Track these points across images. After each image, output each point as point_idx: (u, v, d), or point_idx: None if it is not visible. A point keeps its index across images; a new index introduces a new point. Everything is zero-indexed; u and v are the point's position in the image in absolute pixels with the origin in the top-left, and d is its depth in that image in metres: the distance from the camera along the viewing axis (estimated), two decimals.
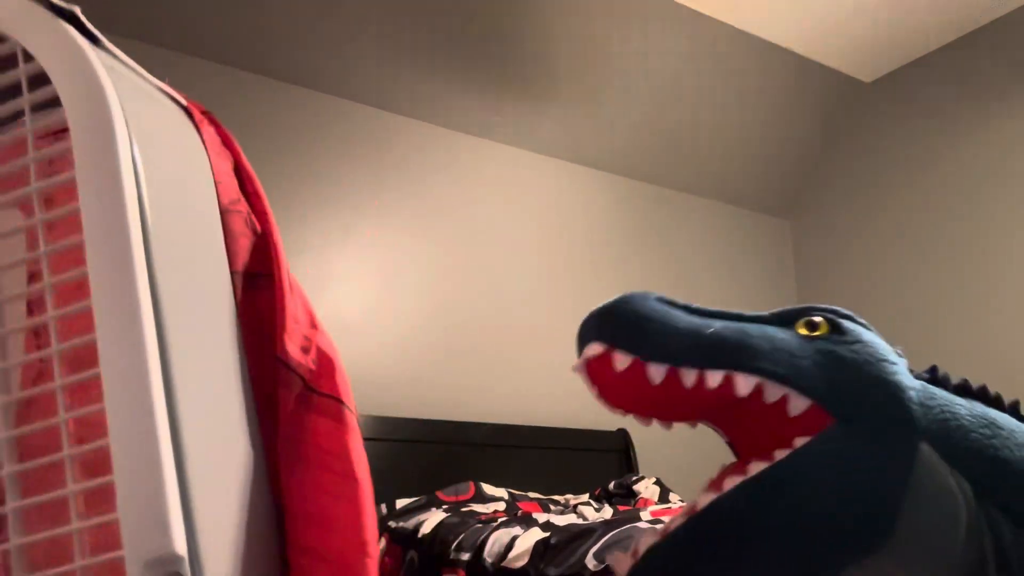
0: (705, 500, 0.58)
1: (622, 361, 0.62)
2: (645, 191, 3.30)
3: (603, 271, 3.07)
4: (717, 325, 0.63)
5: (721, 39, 2.89)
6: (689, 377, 0.60)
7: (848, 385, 0.60)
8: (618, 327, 0.63)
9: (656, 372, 0.61)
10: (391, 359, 2.50)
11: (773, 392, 0.60)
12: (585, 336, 0.67)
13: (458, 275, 2.72)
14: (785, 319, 0.68)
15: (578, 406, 2.85)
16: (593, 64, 2.84)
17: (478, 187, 2.85)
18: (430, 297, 2.64)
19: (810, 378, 0.60)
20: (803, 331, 0.65)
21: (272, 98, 2.49)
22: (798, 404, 0.59)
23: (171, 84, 2.44)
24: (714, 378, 0.60)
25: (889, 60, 3.11)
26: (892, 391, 0.63)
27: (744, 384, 0.60)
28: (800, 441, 0.58)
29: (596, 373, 0.66)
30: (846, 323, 0.68)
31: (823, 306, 0.68)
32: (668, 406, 0.67)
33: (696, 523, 0.57)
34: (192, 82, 2.36)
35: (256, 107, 2.46)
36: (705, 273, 3.36)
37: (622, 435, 2.81)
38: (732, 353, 0.61)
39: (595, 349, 0.64)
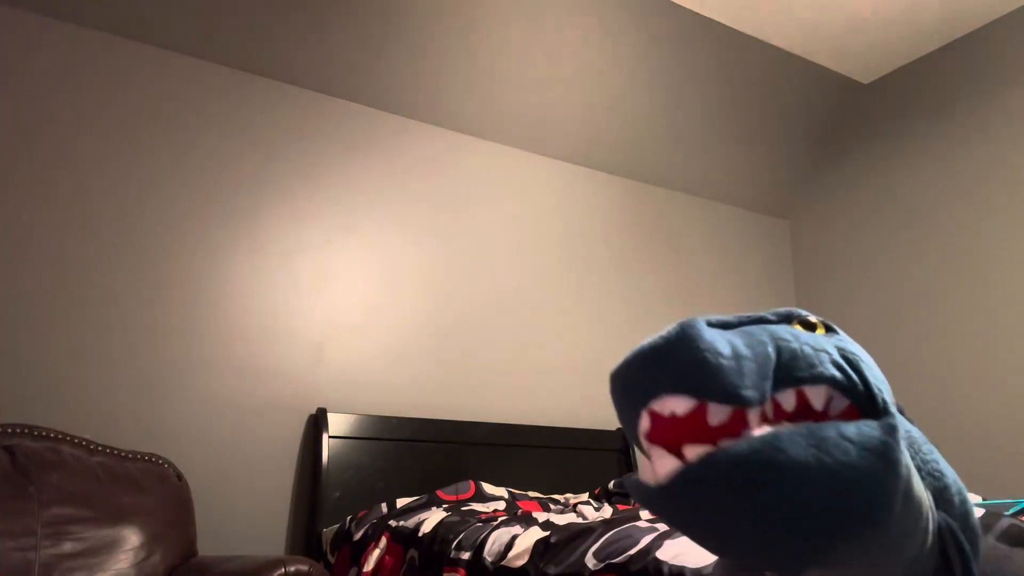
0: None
1: (719, 414, 0.51)
2: (645, 192, 3.31)
3: (603, 271, 3.08)
4: (760, 335, 0.57)
5: (721, 41, 2.89)
6: (769, 408, 0.53)
7: (870, 385, 0.58)
8: (706, 374, 0.52)
9: (753, 418, 0.52)
10: (392, 359, 2.51)
11: (834, 398, 0.56)
12: (648, 387, 0.54)
13: (458, 275, 2.73)
14: (783, 317, 0.64)
15: (578, 406, 2.86)
16: (593, 66, 2.85)
17: (478, 188, 2.86)
18: (431, 297, 2.64)
19: (850, 377, 0.57)
20: (798, 328, 0.62)
21: (272, 99, 2.50)
22: (840, 404, 0.56)
23: (170, 85, 2.45)
24: (788, 399, 0.54)
25: (887, 62, 3.11)
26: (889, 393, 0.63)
27: (816, 396, 0.55)
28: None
29: (667, 429, 0.54)
30: (831, 324, 0.66)
31: (800, 311, 0.65)
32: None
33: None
34: (192, 83, 2.37)
35: (256, 109, 2.46)
36: (705, 273, 3.37)
37: (621, 434, 2.82)
38: (792, 366, 0.55)
39: (678, 405, 0.52)
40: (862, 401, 0.56)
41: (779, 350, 0.55)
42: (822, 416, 0.55)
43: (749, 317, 0.61)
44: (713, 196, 3.49)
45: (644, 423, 0.54)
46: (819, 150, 3.49)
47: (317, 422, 2.26)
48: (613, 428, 2.88)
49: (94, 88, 2.22)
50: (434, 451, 2.42)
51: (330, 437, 2.25)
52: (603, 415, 2.89)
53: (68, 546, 1.60)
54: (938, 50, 3.04)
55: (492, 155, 2.93)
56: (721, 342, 0.53)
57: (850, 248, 3.34)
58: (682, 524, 0.54)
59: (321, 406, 2.34)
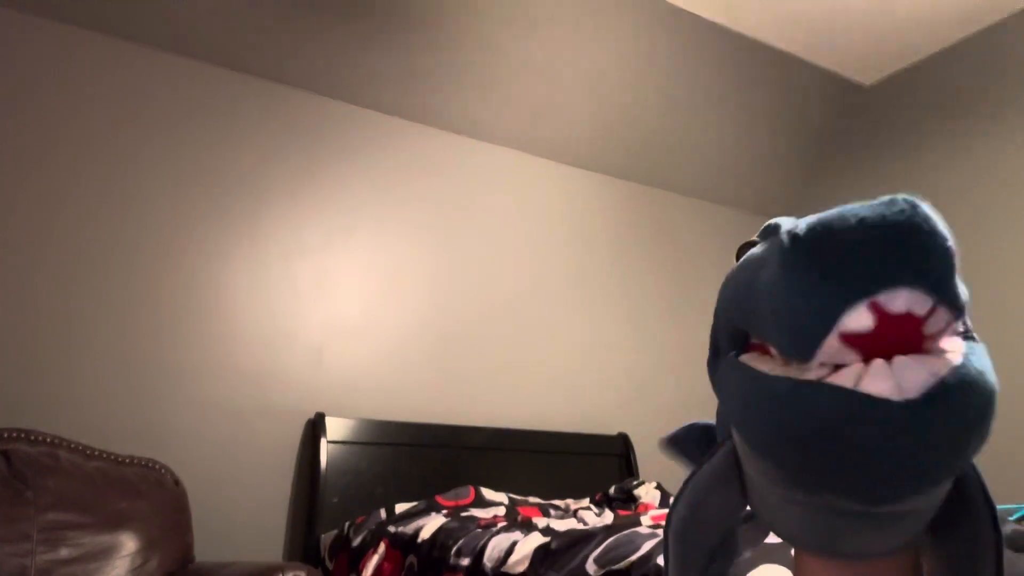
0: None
1: (941, 321, 0.43)
2: (645, 194, 3.30)
3: (603, 274, 3.07)
4: None
5: (722, 44, 2.89)
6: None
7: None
8: (948, 271, 0.43)
9: (953, 331, 0.44)
10: (391, 363, 2.50)
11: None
12: (881, 272, 0.43)
13: (458, 279, 2.72)
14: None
15: (578, 410, 2.85)
16: (594, 69, 2.85)
17: (478, 191, 2.86)
18: (430, 301, 2.63)
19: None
20: None
21: (272, 102, 2.49)
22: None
23: (170, 88, 2.45)
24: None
25: (888, 64, 3.11)
26: None
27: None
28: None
29: (891, 330, 0.43)
30: None
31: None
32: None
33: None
34: (191, 86, 2.37)
35: (255, 111, 2.46)
36: (706, 276, 3.36)
37: (623, 439, 2.81)
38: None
39: (917, 302, 0.42)
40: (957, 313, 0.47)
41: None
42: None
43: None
44: (714, 199, 3.49)
45: (859, 318, 0.43)
46: (820, 152, 3.49)
47: (315, 427, 2.25)
48: (614, 433, 2.86)
49: (91, 91, 2.21)
50: (433, 456, 2.41)
51: (328, 442, 2.24)
52: (604, 420, 2.87)
53: (64, 551, 1.59)
54: (939, 52, 3.03)
55: (492, 158, 2.92)
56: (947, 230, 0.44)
57: None
58: (919, 447, 0.44)
59: (320, 411, 2.33)
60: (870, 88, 3.28)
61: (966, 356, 0.43)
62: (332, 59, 2.52)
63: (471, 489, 2.19)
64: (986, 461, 2.20)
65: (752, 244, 0.55)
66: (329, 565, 2.02)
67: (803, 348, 0.44)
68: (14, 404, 1.92)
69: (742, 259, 0.53)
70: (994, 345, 2.72)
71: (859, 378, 0.43)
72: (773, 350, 0.48)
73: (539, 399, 2.76)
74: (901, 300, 0.42)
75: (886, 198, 0.43)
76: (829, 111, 3.33)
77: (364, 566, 1.81)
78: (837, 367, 0.44)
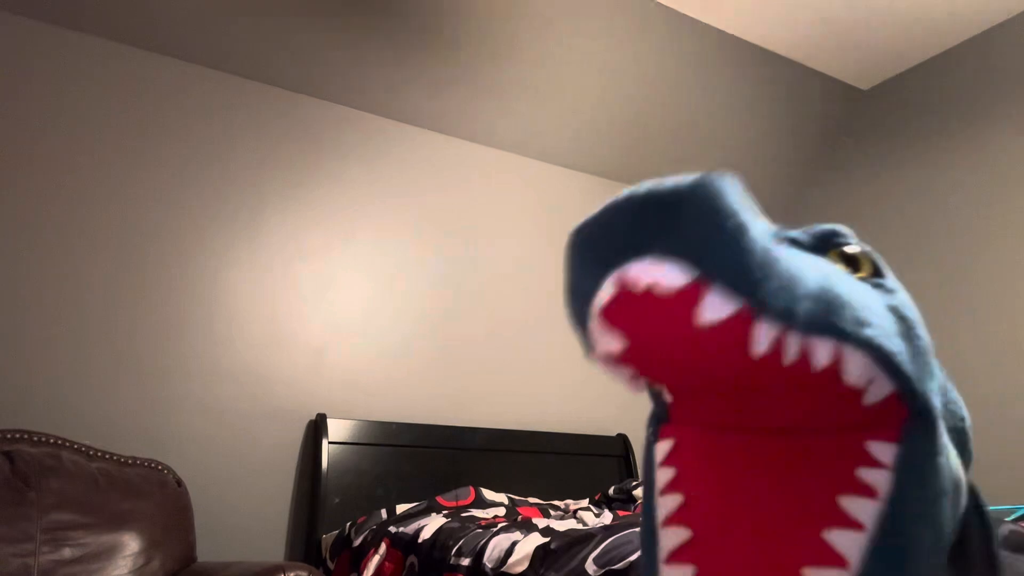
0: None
1: (719, 309, 0.34)
2: None
3: None
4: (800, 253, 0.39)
5: (721, 48, 2.90)
6: (792, 348, 0.35)
7: (926, 367, 0.41)
8: (724, 241, 0.34)
9: (766, 335, 0.35)
10: (392, 364, 2.50)
11: (877, 378, 0.39)
12: (629, 240, 0.36)
13: (458, 280, 2.73)
14: (817, 244, 0.43)
15: (578, 411, 2.85)
16: (594, 73, 2.86)
17: (478, 193, 2.86)
18: (431, 302, 2.64)
19: (903, 354, 0.39)
20: (839, 267, 0.42)
21: (272, 106, 2.50)
22: (882, 390, 0.39)
23: (171, 92, 2.46)
24: (823, 352, 0.36)
25: (886, 68, 3.12)
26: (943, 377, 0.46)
27: (856, 365, 0.38)
28: (886, 453, 0.39)
29: (636, 314, 0.36)
30: (880, 263, 0.46)
31: (844, 230, 0.44)
32: (710, 376, 0.40)
33: None
34: (193, 90, 2.38)
35: (258, 115, 2.47)
36: None
37: (622, 440, 2.82)
38: (839, 312, 0.37)
39: (668, 275, 0.35)
40: (908, 393, 0.40)
41: (827, 279, 0.37)
42: (852, 397, 0.39)
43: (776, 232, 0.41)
44: None
45: (603, 292, 0.37)
46: (818, 156, 3.50)
47: (317, 428, 2.26)
48: (614, 434, 2.87)
49: (92, 95, 2.22)
50: (434, 457, 2.41)
51: (330, 443, 2.25)
52: (604, 421, 2.88)
53: (67, 552, 1.60)
54: (938, 56, 3.05)
55: (493, 161, 2.93)
56: (752, 213, 0.36)
57: None
58: None
59: (321, 411, 2.34)
60: (868, 92, 3.29)
61: (871, 557, 0.37)
62: (334, 64, 2.53)
63: (471, 489, 2.20)
64: (986, 461, 2.21)
65: None
66: (330, 565, 2.03)
67: (580, 337, 0.41)
68: (17, 405, 1.93)
69: None
70: (993, 345, 2.74)
71: None
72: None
73: (539, 400, 2.77)
74: (649, 271, 0.35)
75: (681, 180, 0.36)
76: (827, 114, 3.34)
77: (365, 566, 1.82)
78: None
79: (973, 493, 0.46)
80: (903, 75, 3.16)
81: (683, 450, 0.46)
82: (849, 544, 0.38)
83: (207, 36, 2.35)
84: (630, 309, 0.36)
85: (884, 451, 0.40)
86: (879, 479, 0.39)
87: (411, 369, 2.54)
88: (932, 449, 0.40)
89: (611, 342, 0.38)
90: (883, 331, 0.39)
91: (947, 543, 0.40)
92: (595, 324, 0.38)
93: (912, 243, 3.10)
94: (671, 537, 0.43)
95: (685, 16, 2.75)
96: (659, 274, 0.35)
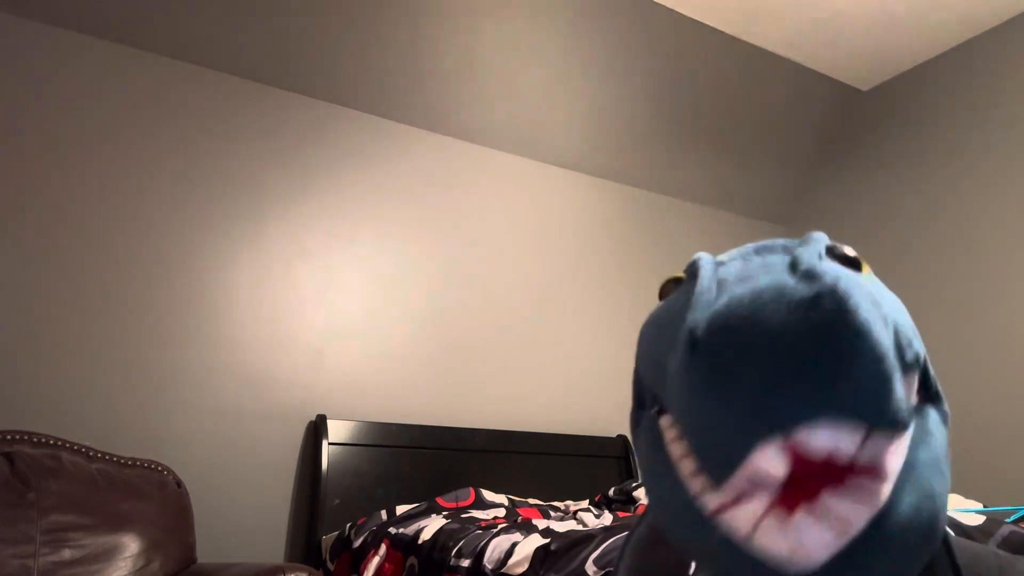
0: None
1: (875, 450, 0.34)
2: (643, 198, 3.31)
3: (601, 278, 3.08)
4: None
5: (720, 48, 2.90)
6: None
7: (930, 370, 0.44)
8: (886, 390, 0.33)
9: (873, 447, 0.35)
10: (392, 365, 2.51)
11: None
12: (796, 406, 0.33)
13: (458, 282, 2.73)
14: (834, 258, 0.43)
15: (578, 412, 2.85)
16: (593, 73, 2.86)
17: (479, 195, 2.87)
18: (431, 304, 2.64)
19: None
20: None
21: (273, 107, 2.50)
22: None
23: (171, 92, 2.46)
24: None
25: (885, 69, 3.12)
26: None
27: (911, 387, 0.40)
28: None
29: (810, 474, 0.34)
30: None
31: (823, 237, 0.43)
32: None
33: None
34: (193, 90, 2.38)
35: (257, 116, 2.47)
36: None
37: (622, 441, 2.82)
38: (901, 349, 0.39)
39: (844, 438, 0.33)
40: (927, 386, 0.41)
41: (895, 326, 0.36)
42: None
43: (762, 246, 0.40)
44: (712, 203, 3.50)
45: (770, 460, 0.33)
46: (817, 156, 3.50)
47: (317, 429, 2.26)
48: (613, 435, 2.87)
49: (93, 96, 2.22)
50: (434, 458, 2.41)
51: (330, 444, 2.25)
52: (603, 422, 2.88)
53: (67, 553, 1.60)
54: (937, 57, 3.05)
55: (493, 162, 2.93)
56: (882, 329, 0.33)
57: None
58: None
59: (321, 413, 2.34)
60: (868, 92, 3.29)
61: (897, 494, 0.35)
62: (334, 64, 2.53)
63: (471, 491, 2.20)
64: (986, 461, 2.21)
65: (678, 281, 0.47)
66: (330, 566, 2.03)
67: (712, 474, 0.37)
68: (16, 406, 1.93)
69: (659, 308, 0.45)
70: (996, 350, 2.74)
71: (756, 524, 0.36)
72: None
73: (539, 401, 2.77)
74: (823, 439, 0.33)
75: (807, 290, 0.33)
76: (826, 115, 3.34)
77: (365, 567, 1.82)
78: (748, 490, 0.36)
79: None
80: (902, 76, 3.16)
81: None
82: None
83: (207, 37, 2.35)
84: (808, 471, 0.34)
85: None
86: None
87: (411, 370, 2.54)
88: (939, 418, 0.41)
89: (759, 491, 0.35)
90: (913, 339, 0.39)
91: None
92: (742, 480, 0.35)
93: (911, 243, 3.10)
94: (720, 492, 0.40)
95: (684, 16, 2.75)
96: (837, 440, 0.33)
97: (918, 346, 0.38)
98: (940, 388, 0.44)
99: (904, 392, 0.35)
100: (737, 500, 0.36)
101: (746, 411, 0.33)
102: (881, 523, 0.34)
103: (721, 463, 0.36)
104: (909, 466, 0.36)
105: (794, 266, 0.35)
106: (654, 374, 0.43)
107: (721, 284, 0.38)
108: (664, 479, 0.41)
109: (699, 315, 0.36)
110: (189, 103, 2.36)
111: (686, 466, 0.40)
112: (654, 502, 0.44)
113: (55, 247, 2.08)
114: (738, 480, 0.35)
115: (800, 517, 0.34)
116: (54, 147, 2.13)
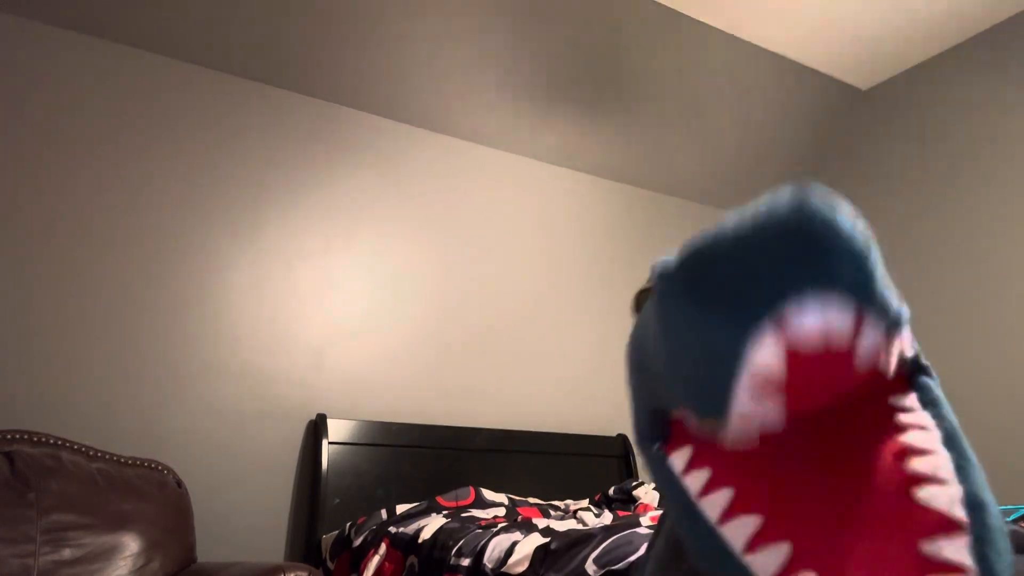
0: None
1: (873, 338, 0.31)
2: (643, 197, 3.31)
3: (601, 277, 3.08)
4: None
5: (718, 47, 2.90)
6: (895, 349, 0.35)
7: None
8: (870, 273, 0.31)
9: (875, 344, 0.33)
10: (392, 364, 2.51)
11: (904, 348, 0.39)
12: (784, 277, 0.30)
13: (458, 281, 2.73)
14: None
15: (578, 412, 2.86)
16: (590, 73, 2.86)
17: (478, 195, 2.87)
18: (431, 303, 2.64)
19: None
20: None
21: (273, 106, 2.50)
22: (897, 356, 0.39)
23: (170, 92, 2.46)
24: (905, 344, 0.37)
25: (884, 68, 3.12)
26: None
27: (908, 342, 0.39)
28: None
29: (810, 366, 0.32)
30: None
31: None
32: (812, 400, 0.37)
33: None
34: (191, 90, 2.38)
35: (257, 115, 2.47)
36: None
37: (622, 440, 2.82)
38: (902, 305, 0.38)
39: (837, 315, 0.30)
40: (916, 354, 0.40)
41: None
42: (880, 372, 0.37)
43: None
44: (712, 202, 3.50)
45: (766, 355, 0.31)
46: (816, 155, 3.50)
47: (317, 428, 2.26)
48: (613, 434, 2.87)
49: (92, 96, 2.22)
50: (434, 457, 2.41)
51: (330, 443, 2.25)
52: (603, 421, 2.88)
53: (67, 553, 1.60)
54: (936, 56, 3.05)
55: (494, 161, 2.93)
56: (870, 246, 0.32)
57: None
58: None
59: (321, 412, 2.34)
60: (868, 92, 3.29)
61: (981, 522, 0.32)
62: (335, 63, 2.53)
63: (471, 490, 2.20)
64: (987, 461, 2.21)
65: (648, 291, 0.43)
66: (330, 565, 2.03)
67: (713, 407, 0.34)
68: (16, 405, 1.93)
69: (638, 319, 0.42)
70: (996, 350, 2.74)
71: (787, 568, 0.33)
72: (693, 424, 0.39)
73: (539, 401, 2.77)
74: (813, 317, 0.30)
75: (769, 195, 0.31)
76: (825, 114, 3.34)
77: (365, 566, 1.82)
78: (761, 536, 0.34)
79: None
80: (903, 75, 3.16)
81: (709, 452, 0.42)
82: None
83: (207, 37, 2.35)
84: (794, 364, 0.31)
85: (908, 399, 0.38)
86: (913, 419, 0.37)
87: (411, 369, 2.54)
88: (936, 384, 0.40)
89: (767, 409, 0.32)
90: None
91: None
92: (744, 394, 0.32)
93: (911, 242, 3.10)
94: (743, 527, 0.38)
95: (684, 16, 2.75)
96: (828, 315, 0.30)
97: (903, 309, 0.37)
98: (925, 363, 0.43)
99: (894, 293, 0.32)
100: (746, 418, 0.33)
101: (729, 306, 0.31)
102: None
103: (717, 383, 0.33)
104: (978, 503, 0.33)
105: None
106: (644, 387, 0.41)
107: None
108: (687, 517, 0.40)
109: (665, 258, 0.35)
110: (189, 103, 2.36)
111: (709, 505, 0.38)
112: (681, 535, 0.43)
113: (55, 247, 2.08)
114: (741, 396, 0.32)
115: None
116: (54, 147, 2.13)
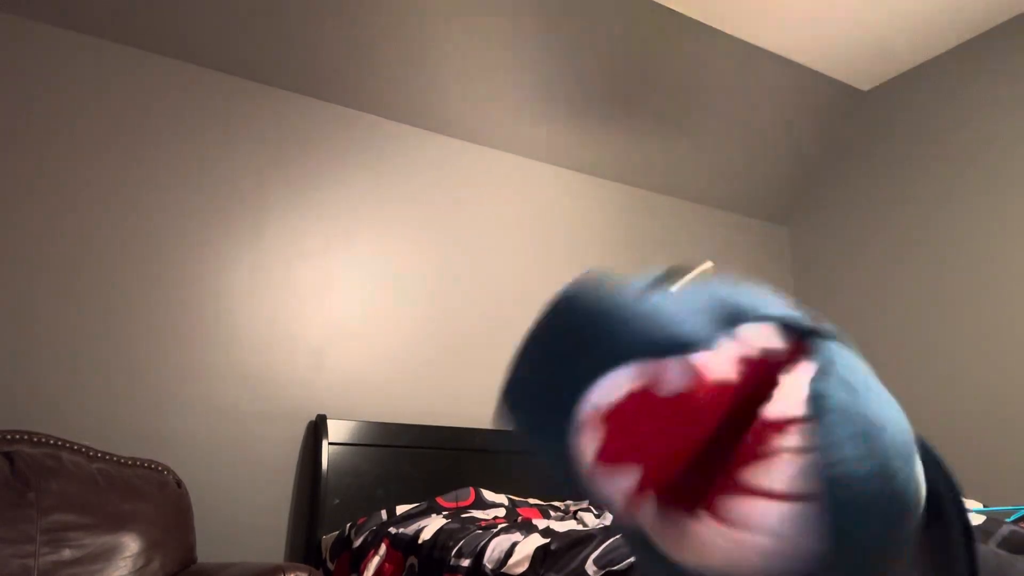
0: None
1: (678, 372, 0.36)
2: (644, 198, 3.31)
3: None
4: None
5: (720, 48, 2.90)
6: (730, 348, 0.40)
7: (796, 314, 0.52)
8: (649, 327, 0.37)
9: (717, 362, 0.38)
10: (392, 365, 2.51)
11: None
12: (571, 374, 0.36)
13: (458, 281, 2.73)
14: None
15: None
16: (591, 72, 2.86)
17: (478, 195, 2.87)
18: (430, 303, 2.64)
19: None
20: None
21: (272, 106, 2.50)
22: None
23: (170, 92, 2.45)
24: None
25: (886, 69, 3.12)
26: None
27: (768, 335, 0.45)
28: None
29: (626, 426, 0.37)
30: None
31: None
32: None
33: None
34: (191, 90, 2.38)
35: (258, 115, 2.47)
36: None
37: None
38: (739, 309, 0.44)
39: (622, 379, 0.35)
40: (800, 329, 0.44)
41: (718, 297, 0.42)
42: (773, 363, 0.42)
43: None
44: (713, 203, 3.50)
45: (587, 433, 0.35)
46: (818, 157, 3.50)
47: (317, 429, 2.26)
48: None
49: (92, 96, 2.22)
50: (434, 458, 2.41)
51: (330, 444, 2.25)
52: None
53: (67, 553, 1.60)
54: (937, 57, 3.05)
55: (493, 162, 2.93)
56: (635, 291, 0.39)
57: (849, 255, 3.34)
58: None
59: (321, 412, 2.34)
60: (868, 92, 3.29)
61: (825, 432, 0.37)
62: (333, 64, 2.53)
63: (471, 490, 2.20)
64: (987, 461, 2.20)
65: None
66: (330, 566, 2.03)
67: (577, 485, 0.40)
68: (17, 406, 1.93)
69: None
70: (995, 350, 2.74)
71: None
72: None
73: None
74: (612, 385, 0.36)
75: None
76: (827, 115, 3.34)
77: (365, 567, 1.82)
78: None
79: (939, 463, 0.48)
80: (903, 76, 3.16)
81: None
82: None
83: (208, 37, 2.35)
84: (622, 423, 0.38)
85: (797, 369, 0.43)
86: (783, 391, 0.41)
87: (411, 370, 2.54)
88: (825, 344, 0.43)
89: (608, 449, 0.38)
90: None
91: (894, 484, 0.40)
92: (595, 473, 0.38)
93: (912, 242, 3.10)
94: (592, 444, 0.43)
95: (684, 16, 2.75)
96: (620, 382, 0.37)
97: (749, 303, 0.42)
98: (826, 328, 0.45)
99: (698, 319, 0.38)
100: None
101: (547, 402, 0.38)
102: (826, 476, 0.33)
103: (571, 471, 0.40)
104: (818, 394, 0.36)
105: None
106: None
107: None
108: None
109: None
110: (189, 103, 2.36)
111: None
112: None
113: (55, 247, 2.08)
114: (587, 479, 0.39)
115: (705, 527, 0.35)
116: (54, 147, 2.13)
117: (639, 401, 0.37)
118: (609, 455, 0.38)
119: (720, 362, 0.38)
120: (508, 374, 0.40)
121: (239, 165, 2.40)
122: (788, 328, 0.44)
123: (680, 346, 0.37)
